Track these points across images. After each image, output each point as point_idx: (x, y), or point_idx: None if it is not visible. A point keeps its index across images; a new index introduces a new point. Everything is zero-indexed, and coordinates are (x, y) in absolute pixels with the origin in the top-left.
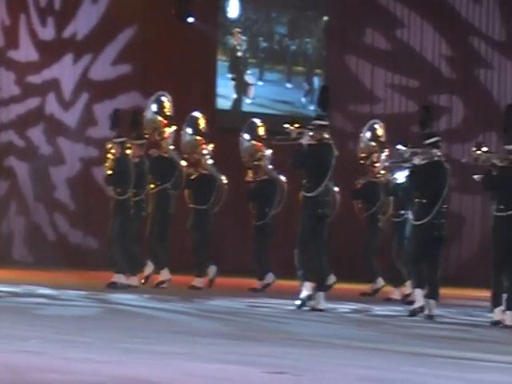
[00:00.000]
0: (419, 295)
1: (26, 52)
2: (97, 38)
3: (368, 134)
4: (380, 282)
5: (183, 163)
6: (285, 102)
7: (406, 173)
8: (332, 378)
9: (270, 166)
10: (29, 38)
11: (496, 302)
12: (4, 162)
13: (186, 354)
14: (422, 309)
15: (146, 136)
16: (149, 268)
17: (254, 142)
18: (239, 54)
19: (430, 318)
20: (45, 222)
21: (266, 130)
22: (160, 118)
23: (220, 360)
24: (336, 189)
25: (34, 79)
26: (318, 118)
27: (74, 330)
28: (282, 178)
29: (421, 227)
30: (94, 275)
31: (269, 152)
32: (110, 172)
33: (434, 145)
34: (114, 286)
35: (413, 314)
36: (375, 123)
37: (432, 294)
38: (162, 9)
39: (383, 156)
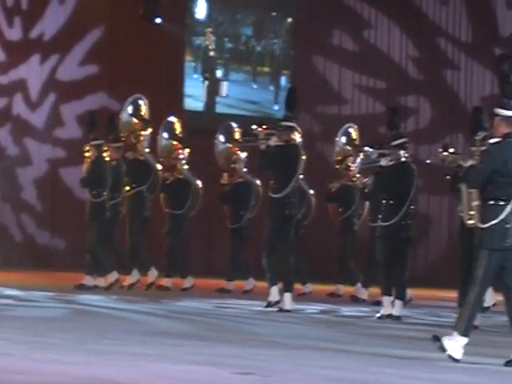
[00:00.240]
0: (387, 302)
1: None
2: (64, 38)
3: (343, 139)
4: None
5: (159, 166)
6: (252, 102)
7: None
8: (299, 379)
9: (245, 169)
10: None
11: (463, 303)
12: None
13: (155, 355)
14: (388, 316)
15: (123, 139)
16: (152, 274)
17: (229, 145)
18: (211, 53)
19: (397, 318)
20: (12, 222)
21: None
22: (136, 121)
23: (188, 361)
24: (311, 191)
25: (1, 80)
26: (286, 119)
27: (42, 331)
28: (257, 181)
29: (388, 228)
30: (62, 276)
31: (244, 155)
32: (85, 174)
33: (401, 146)
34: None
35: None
36: (350, 127)
37: (399, 295)
38: (129, 9)
39: (358, 159)
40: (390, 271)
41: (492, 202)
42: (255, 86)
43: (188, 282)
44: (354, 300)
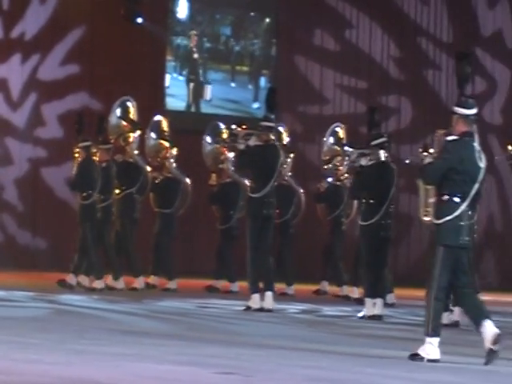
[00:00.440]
0: (369, 303)
1: None
2: (45, 38)
3: (331, 139)
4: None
5: (148, 168)
6: (231, 101)
7: None
8: (281, 379)
9: (233, 169)
10: None
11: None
12: None
13: (136, 355)
14: (371, 317)
15: (112, 141)
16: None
17: (216, 145)
18: (195, 55)
19: (379, 317)
20: None
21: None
22: (124, 123)
23: (170, 361)
24: (301, 190)
25: None
26: (265, 119)
27: (23, 331)
28: (246, 181)
29: (368, 227)
30: (43, 276)
31: (232, 155)
32: (73, 177)
33: (381, 146)
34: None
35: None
36: (337, 126)
37: (380, 294)
38: (110, 9)
39: (347, 159)
40: (372, 271)
41: (447, 198)
42: (233, 85)
43: (173, 283)
44: (347, 299)
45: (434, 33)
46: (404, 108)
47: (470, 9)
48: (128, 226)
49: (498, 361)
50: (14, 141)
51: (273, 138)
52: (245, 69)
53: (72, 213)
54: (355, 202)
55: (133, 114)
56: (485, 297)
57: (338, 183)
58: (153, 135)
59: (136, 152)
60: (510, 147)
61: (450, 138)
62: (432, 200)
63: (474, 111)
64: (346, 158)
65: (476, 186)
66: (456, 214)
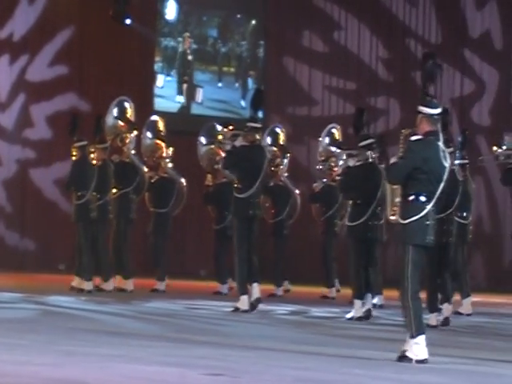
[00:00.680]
0: (358, 305)
1: None
2: (34, 38)
3: (327, 140)
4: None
5: (145, 169)
6: (219, 101)
7: None
8: (269, 380)
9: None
10: None
11: (432, 307)
12: None
13: (124, 356)
14: (359, 318)
15: (109, 141)
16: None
17: (211, 146)
18: (189, 57)
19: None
20: None
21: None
22: (121, 124)
23: (158, 362)
24: (297, 191)
25: None
26: (251, 120)
27: (11, 332)
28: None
29: (355, 228)
30: (31, 277)
31: None
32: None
33: (369, 147)
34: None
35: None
36: (333, 127)
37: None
38: (99, 10)
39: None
40: (360, 273)
41: (413, 198)
42: (220, 85)
43: (161, 285)
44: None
45: (423, 34)
46: (392, 109)
47: (459, 10)
48: (123, 226)
49: (486, 362)
50: (3, 142)
51: (259, 138)
52: (231, 70)
53: (60, 214)
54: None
55: (130, 114)
56: (473, 298)
57: (332, 184)
58: (149, 135)
59: (133, 152)
60: (494, 148)
61: (414, 137)
62: (398, 200)
63: (438, 111)
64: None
65: (441, 185)
66: (422, 213)
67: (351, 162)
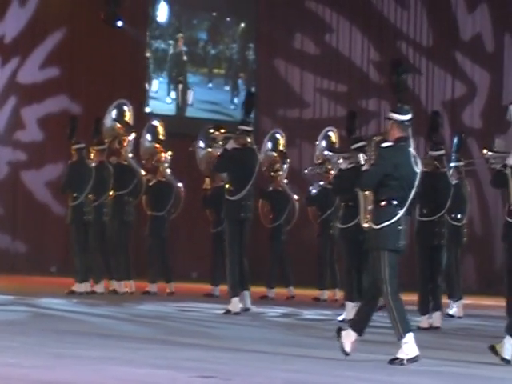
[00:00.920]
0: (350, 307)
1: None
2: (25, 41)
3: (323, 143)
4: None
5: (142, 172)
6: (209, 102)
7: None
8: (260, 382)
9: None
10: None
11: (423, 310)
12: None
13: (115, 358)
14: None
15: (107, 143)
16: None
17: (209, 150)
18: (184, 58)
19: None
20: None
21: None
22: (119, 126)
23: (149, 364)
24: (295, 197)
25: None
26: (243, 123)
27: (1, 334)
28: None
29: (347, 231)
30: (22, 280)
31: None
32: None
33: (361, 149)
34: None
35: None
36: (329, 130)
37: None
38: (90, 12)
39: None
40: (352, 275)
41: (385, 204)
42: (210, 86)
43: (153, 287)
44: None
45: (414, 37)
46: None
47: (450, 13)
48: (117, 229)
49: (478, 364)
50: None
51: (250, 141)
52: (222, 72)
53: (52, 216)
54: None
55: (128, 117)
56: (464, 300)
57: (329, 186)
58: (148, 137)
59: (130, 155)
60: (485, 151)
61: (384, 144)
62: (371, 207)
63: (408, 117)
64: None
65: (413, 191)
66: (395, 218)
67: (343, 165)
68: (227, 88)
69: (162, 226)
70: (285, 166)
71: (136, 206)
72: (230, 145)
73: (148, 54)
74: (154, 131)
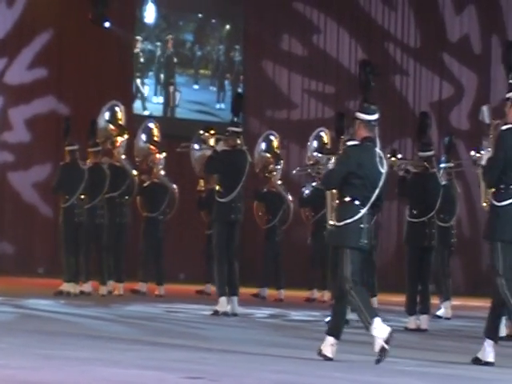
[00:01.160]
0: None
1: None
2: (12, 41)
3: (315, 143)
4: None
5: (135, 172)
6: (195, 103)
7: None
8: (248, 383)
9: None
10: None
11: (411, 310)
12: None
13: (103, 359)
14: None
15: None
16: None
17: (204, 151)
18: (175, 59)
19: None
20: None
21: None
22: (112, 127)
23: (137, 365)
24: (290, 197)
25: None
26: (232, 124)
27: None
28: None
29: None
30: (10, 281)
31: None
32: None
33: None
34: (60, 294)
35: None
36: (321, 131)
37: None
38: (78, 13)
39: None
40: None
41: (348, 201)
42: (196, 87)
43: (143, 286)
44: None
45: (402, 38)
46: None
47: (437, 14)
48: (107, 230)
49: (465, 366)
50: None
51: (240, 142)
52: (208, 73)
53: (39, 217)
54: None
55: (121, 118)
56: (452, 301)
57: (321, 187)
58: (143, 138)
59: (123, 156)
60: (472, 153)
61: (350, 143)
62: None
63: (375, 117)
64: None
65: (377, 191)
66: (357, 216)
67: (331, 167)
68: (213, 88)
69: (157, 227)
70: (278, 167)
71: (131, 208)
72: (220, 146)
73: (135, 55)
74: (148, 131)
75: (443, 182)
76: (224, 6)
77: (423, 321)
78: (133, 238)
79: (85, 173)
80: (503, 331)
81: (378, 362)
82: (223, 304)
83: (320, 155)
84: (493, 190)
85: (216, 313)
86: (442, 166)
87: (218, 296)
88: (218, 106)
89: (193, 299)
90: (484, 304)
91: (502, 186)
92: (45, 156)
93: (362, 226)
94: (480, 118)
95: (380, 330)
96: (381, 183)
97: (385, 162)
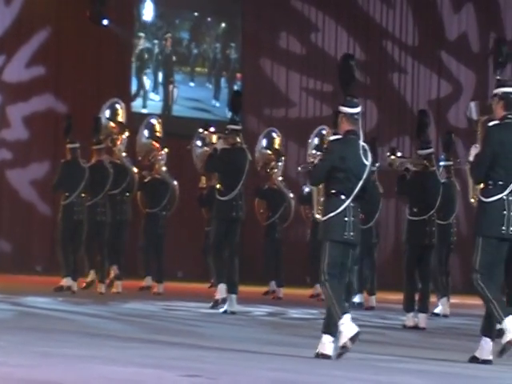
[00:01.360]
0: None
1: None
2: (10, 39)
3: (316, 141)
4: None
5: (135, 169)
6: (192, 99)
7: None
8: (246, 381)
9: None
10: None
11: (409, 307)
12: None
13: (101, 357)
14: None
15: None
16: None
17: (206, 149)
18: (174, 58)
19: None
20: None
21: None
22: (113, 125)
23: (135, 363)
24: (291, 195)
25: None
26: (232, 122)
27: None
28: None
29: None
30: (8, 279)
31: None
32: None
33: None
34: (59, 290)
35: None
36: (322, 129)
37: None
38: (76, 11)
39: None
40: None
41: (332, 195)
42: (192, 84)
43: (149, 280)
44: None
45: (400, 36)
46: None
47: (436, 12)
48: (107, 227)
49: (463, 364)
50: None
51: (239, 140)
52: (204, 70)
53: (37, 215)
54: None
55: (121, 116)
56: (450, 299)
57: None
58: (145, 133)
59: (123, 154)
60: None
61: (332, 137)
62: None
63: (357, 110)
64: None
65: (361, 182)
66: (339, 210)
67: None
68: (209, 86)
69: (157, 223)
70: (279, 164)
71: (132, 206)
72: (220, 145)
73: (134, 53)
74: (151, 128)
75: (442, 180)
76: (222, 3)
77: (421, 319)
78: (132, 235)
79: (85, 171)
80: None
81: (339, 356)
82: (222, 291)
83: (319, 153)
84: (481, 186)
85: (216, 302)
86: (442, 164)
87: (216, 284)
88: (214, 102)
89: (191, 297)
90: (481, 302)
91: (489, 182)
92: (43, 154)
93: (346, 219)
94: (468, 114)
95: (348, 327)
96: (365, 175)
97: (369, 154)
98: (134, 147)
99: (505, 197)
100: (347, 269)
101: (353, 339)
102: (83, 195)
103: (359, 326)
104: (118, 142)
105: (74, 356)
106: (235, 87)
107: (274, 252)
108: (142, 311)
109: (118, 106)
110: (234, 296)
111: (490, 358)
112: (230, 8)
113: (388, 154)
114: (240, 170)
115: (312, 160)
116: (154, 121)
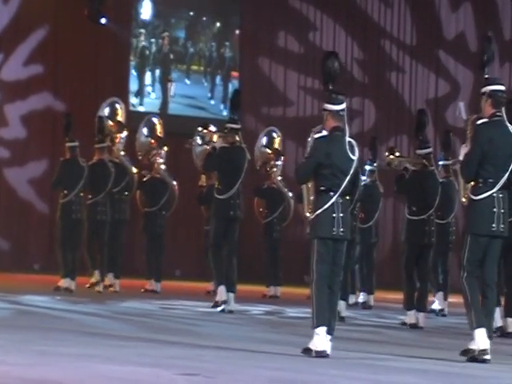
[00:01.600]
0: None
1: None
2: (8, 38)
3: None
4: None
5: (134, 169)
6: (187, 97)
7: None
8: (244, 380)
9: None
10: None
11: (409, 306)
12: None
13: (99, 356)
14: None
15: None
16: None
17: (206, 147)
18: (171, 56)
19: (341, 319)
20: None
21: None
22: (112, 124)
23: (133, 362)
24: (290, 194)
25: None
26: (231, 121)
27: None
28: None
29: None
30: (5, 277)
31: None
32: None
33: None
34: (57, 289)
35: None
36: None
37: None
38: (74, 9)
39: None
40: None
41: (320, 192)
42: (188, 82)
43: (157, 286)
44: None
45: (398, 35)
46: (367, 110)
47: (434, 12)
48: (106, 226)
49: (462, 363)
50: None
51: (238, 139)
52: (200, 69)
53: (35, 213)
54: None
55: (120, 115)
56: (449, 298)
57: None
58: (145, 131)
59: (122, 153)
60: None
61: (317, 135)
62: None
63: (342, 107)
64: None
65: (347, 177)
66: (326, 206)
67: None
68: (205, 83)
69: (156, 222)
70: (279, 163)
71: (130, 205)
72: (219, 143)
73: (131, 52)
74: (151, 126)
75: (441, 180)
76: (220, 3)
77: (420, 319)
78: (130, 234)
79: (84, 169)
80: (498, 322)
81: (302, 351)
82: (222, 293)
83: None
84: (472, 184)
85: (216, 304)
86: (441, 163)
87: (216, 286)
88: (210, 100)
89: (189, 296)
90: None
91: (479, 180)
92: (40, 152)
93: (334, 215)
94: (457, 113)
95: (320, 340)
96: (352, 170)
97: (356, 149)
98: (133, 146)
99: (495, 194)
100: (341, 267)
101: (318, 354)
102: (82, 194)
103: (356, 325)
104: (117, 141)
105: (71, 355)
106: (230, 85)
107: (271, 250)
108: (140, 310)
109: (117, 105)
110: (231, 295)
111: (486, 346)
112: (228, 7)
113: (386, 153)
114: (239, 168)
115: None
116: (154, 120)
